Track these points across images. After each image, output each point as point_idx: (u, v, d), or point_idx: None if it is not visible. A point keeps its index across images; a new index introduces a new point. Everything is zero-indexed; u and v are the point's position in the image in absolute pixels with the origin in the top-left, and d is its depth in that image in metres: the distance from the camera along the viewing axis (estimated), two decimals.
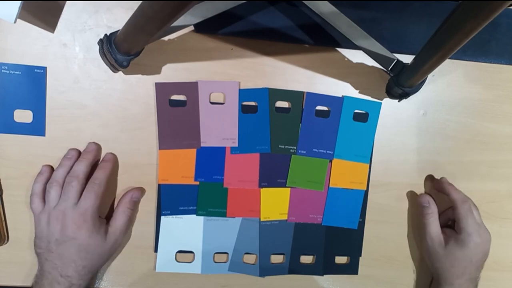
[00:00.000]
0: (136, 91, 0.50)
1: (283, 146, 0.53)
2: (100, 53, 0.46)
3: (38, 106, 0.49)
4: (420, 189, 0.56)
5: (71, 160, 0.48)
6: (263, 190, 0.53)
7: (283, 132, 0.53)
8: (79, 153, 0.49)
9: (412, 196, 0.56)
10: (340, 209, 0.54)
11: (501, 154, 0.57)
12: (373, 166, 0.55)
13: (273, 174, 0.53)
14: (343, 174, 0.54)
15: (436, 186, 0.55)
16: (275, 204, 0.53)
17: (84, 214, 0.45)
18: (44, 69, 0.48)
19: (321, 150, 0.53)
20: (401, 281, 0.57)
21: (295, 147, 0.53)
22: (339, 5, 0.47)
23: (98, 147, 0.50)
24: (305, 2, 0.47)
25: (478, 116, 0.56)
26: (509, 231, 0.58)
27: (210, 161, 0.52)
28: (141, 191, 0.51)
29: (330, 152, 0.53)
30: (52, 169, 0.49)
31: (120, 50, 0.43)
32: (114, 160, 0.50)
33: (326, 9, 0.47)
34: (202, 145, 0.51)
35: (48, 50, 0.49)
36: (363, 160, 0.54)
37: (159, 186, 0.51)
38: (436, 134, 0.56)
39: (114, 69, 0.48)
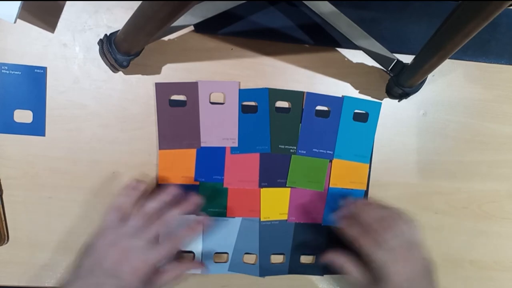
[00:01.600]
0: (136, 91, 0.50)
1: (283, 146, 0.53)
2: (100, 53, 0.46)
3: (38, 106, 0.49)
4: (420, 189, 0.56)
5: (168, 197, 0.46)
6: (263, 190, 0.53)
7: (283, 132, 0.53)
8: (178, 192, 0.47)
9: (412, 196, 0.56)
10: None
11: (501, 154, 0.57)
12: (373, 166, 0.55)
13: (273, 174, 0.53)
14: (343, 174, 0.54)
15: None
16: (275, 204, 0.53)
17: (146, 262, 0.43)
18: (44, 69, 0.48)
19: (321, 150, 0.53)
20: None
21: (295, 147, 0.53)
22: (339, 5, 0.47)
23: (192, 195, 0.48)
24: (305, 2, 0.47)
25: (478, 116, 0.56)
26: (509, 231, 0.58)
27: (210, 161, 0.52)
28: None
29: (330, 152, 0.53)
30: (147, 188, 0.48)
31: (120, 50, 0.43)
32: (204, 224, 0.50)
33: (326, 9, 0.47)
34: (202, 145, 0.51)
35: (48, 50, 0.49)
36: (363, 160, 0.54)
37: (159, 186, 0.51)
38: (436, 134, 0.56)
39: (114, 69, 0.48)
